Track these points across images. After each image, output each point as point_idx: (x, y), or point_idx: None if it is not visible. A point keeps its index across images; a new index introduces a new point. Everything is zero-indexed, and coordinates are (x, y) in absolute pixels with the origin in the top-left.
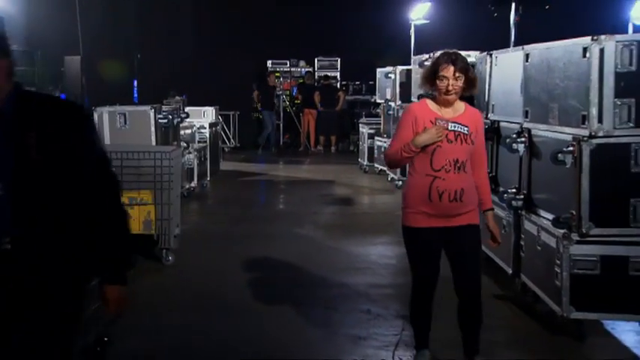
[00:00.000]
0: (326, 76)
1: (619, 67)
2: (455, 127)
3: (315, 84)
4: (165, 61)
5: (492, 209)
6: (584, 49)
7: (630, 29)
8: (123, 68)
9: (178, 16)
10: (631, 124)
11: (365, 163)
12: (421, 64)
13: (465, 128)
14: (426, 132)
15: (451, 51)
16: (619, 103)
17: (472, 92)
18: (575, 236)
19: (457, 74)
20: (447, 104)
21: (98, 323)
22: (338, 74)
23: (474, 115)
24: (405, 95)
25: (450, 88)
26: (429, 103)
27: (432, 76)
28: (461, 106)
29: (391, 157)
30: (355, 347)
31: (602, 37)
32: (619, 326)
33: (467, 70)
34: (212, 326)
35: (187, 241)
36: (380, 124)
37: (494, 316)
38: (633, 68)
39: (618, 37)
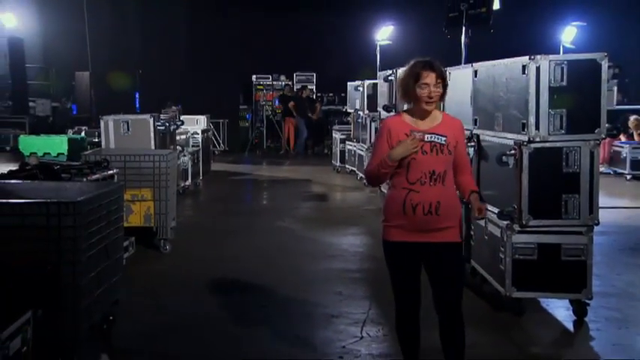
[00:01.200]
0: (304, 89)
1: (552, 82)
2: (431, 137)
3: (294, 96)
4: (164, 75)
5: (478, 192)
6: (524, 67)
7: (561, 50)
8: (129, 81)
9: (175, 35)
10: (562, 131)
11: (337, 164)
12: (386, 79)
13: (442, 138)
14: (400, 145)
15: (425, 58)
16: (552, 113)
17: (442, 100)
18: (516, 227)
19: (438, 80)
20: (425, 114)
21: (104, 304)
22: (314, 87)
23: (453, 124)
24: (372, 105)
25: (432, 95)
26: (404, 115)
27: (412, 85)
28: (438, 115)
29: (370, 173)
30: (328, 324)
31: (538, 56)
32: (552, 303)
33: (444, 76)
34: (203, 306)
35: (182, 233)
36: (350, 130)
37: None
38: (564, 83)
39: (551, 57)
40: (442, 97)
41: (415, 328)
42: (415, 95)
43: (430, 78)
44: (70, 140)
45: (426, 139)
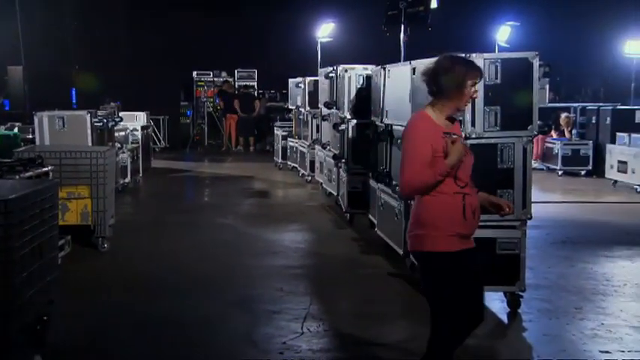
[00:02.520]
0: (245, 86)
1: (487, 80)
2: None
3: (235, 92)
4: (102, 71)
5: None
6: None
7: (496, 49)
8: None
9: (114, 30)
10: (497, 128)
11: (279, 161)
12: (327, 76)
13: (464, 139)
14: (454, 150)
15: (460, 54)
16: (488, 110)
17: None
18: None
19: (477, 81)
20: (454, 114)
21: (38, 304)
22: (255, 83)
23: (457, 125)
24: (314, 102)
25: (474, 96)
26: (431, 114)
27: (459, 80)
28: None
29: (425, 183)
30: (269, 320)
31: (474, 54)
32: (487, 296)
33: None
34: (142, 304)
35: (121, 231)
36: (292, 127)
37: (389, 291)
38: (498, 81)
39: (486, 55)
40: None
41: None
42: (462, 94)
43: (478, 79)
44: (1, 137)
45: (461, 142)
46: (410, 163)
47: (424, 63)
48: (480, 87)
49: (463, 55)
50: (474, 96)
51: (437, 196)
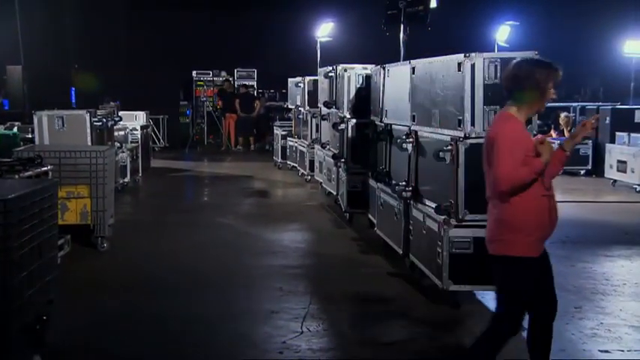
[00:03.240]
0: (245, 85)
1: (487, 79)
2: None
3: (235, 92)
4: (102, 70)
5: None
6: (459, 64)
7: (496, 48)
8: (93, 80)
9: (114, 29)
10: None
11: (279, 161)
12: (326, 75)
13: None
14: (545, 150)
15: (546, 59)
16: (487, 109)
17: None
18: (453, 221)
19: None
20: (532, 116)
21: (37, 304)
22: (255, 83)
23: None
24: (313, 102)
25: (555, 96)
26: (517, 116)
27: (544, 84)
28: None
29: (522, 181)
30: (269, 320)
31: (473, 54)
32: (487, 295)
33: None
34: (141, 304)
35: (121, 230)
36: (291, 126)
37: (388, 290)
38: (498, 81)
39: (486, 54)
40: None
41: None
42: (544, 97)
43: (559, 80)
44: (1, 136)
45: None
46: (505, 161)
47: (423, 63)
48: (478, 86)
49: (538, 57)
50: (553, 97)
51: (526, 198)
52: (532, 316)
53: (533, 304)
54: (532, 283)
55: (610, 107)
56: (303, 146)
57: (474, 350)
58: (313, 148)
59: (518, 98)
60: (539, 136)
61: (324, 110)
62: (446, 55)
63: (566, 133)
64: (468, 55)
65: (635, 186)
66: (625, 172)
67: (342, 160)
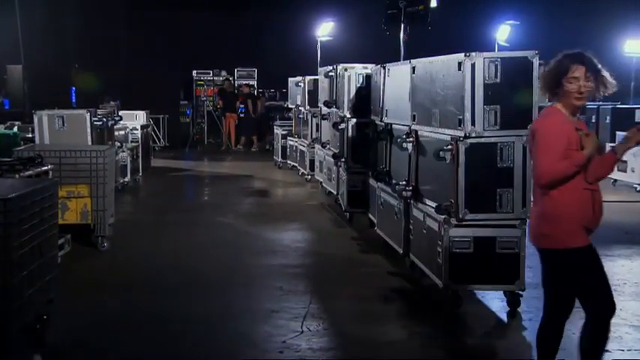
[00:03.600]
0: (248, 85)
1: (487, 79)
2: None
3: (235, 91)
4: (102, 70)
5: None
6: (459, 64)
7: (496, 48)
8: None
9: (114, 29)
10: (497, 127)
11: (279, 160)
12: (326, 75)
13: None
14: (588, 144)
15: (574, 51)
16: (487, 109)
17: (607, 92)
18: (453, 221)
19: (587, 74)
20: (575, 111)
21: (38, 303)
22: (255, 83)
23: (583, 121)
24: (313, 101)
25: (583, 90)
26: (562, 110)
27: (556, 79)
28: None
29: (563, 174)
30: (269, 319)
31: (473, 54)
32: (487, 294)
33: (598, 69)
34: (142, 303)
35: (121, 230)
36: (292, 126)
37: (388, 290)
38: (498, 80)
39: (486, 54)
40: (599, 90)
41: None
42: (563, 90)
43: (579, 71)
44: (1, 136)
45: None
46: (547, 155)
47: (423, 62)
48: (479, 86)
49: (569, 51)
50: (581, 90)
51: (568, 191)
52: (587, 312)
53: (587, 300)
54: (594, 269)
55: (610, 107)
56: (304, 146)
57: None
58: (313, 147)
59: (549, 95)
60: (584, 129)
61: (325, 110)
62: (446, 54)
63: None
64: (468, 54)
65: (635, 185)
66: (625, 171)
67: (343, 159)
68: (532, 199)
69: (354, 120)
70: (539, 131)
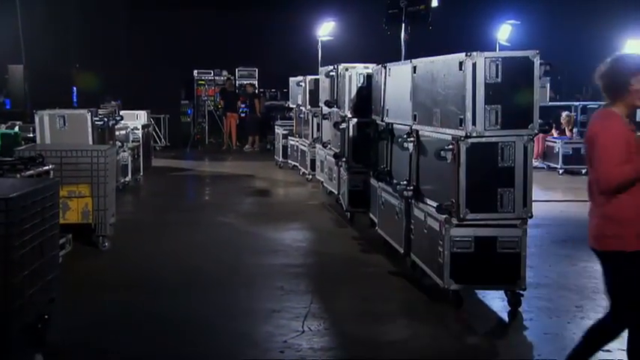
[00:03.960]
0: (252, 84)
1: (488, 78)
2: None
3: (237, 91)
4: (103, 70)
5: None
6: (460, 63)
7: (497, 47)
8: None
9: (114, 29)
10: (498, 127)
11: (280, 160)
12: (327, 75)
13: None
14: None
15: (631, 54)
16: (488, 108)
17: None
18: (454, 220)
19: None
20: (631, 112)
21: (39, 303)
22: (256, 82)
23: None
24: (314, 101)
25: None
26: (618, 112)
27: (624, 79)
28: None
29: (625, 179)
30: (270, 319)
31: (475, 53)
32: (488, 294)
33: None
34: (143, 303)
35: (122, 229)
36: (293, 125)
37: (389, 289)
38: (499, 80)
39: (487, 54)
40: None
41: None
42: (629, 91)
43: None
44: (2, 135)
45: None
46: (610, 160)
47: (424, 62)
48: (480, 86)
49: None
50: None
51: (633, 194)
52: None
53: None
54: None
55: None
56: (305, 145)
57: (580, 349)
58: (314, 147)
59: (611, 95)
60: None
61: (326, 109)
62: (447, 54)
63: (567, 132)
64: (469, 54)
65: None
66: None
67: (344, 159)
68: (589, 202)
69: (355, 120)
70: (599, 136)
